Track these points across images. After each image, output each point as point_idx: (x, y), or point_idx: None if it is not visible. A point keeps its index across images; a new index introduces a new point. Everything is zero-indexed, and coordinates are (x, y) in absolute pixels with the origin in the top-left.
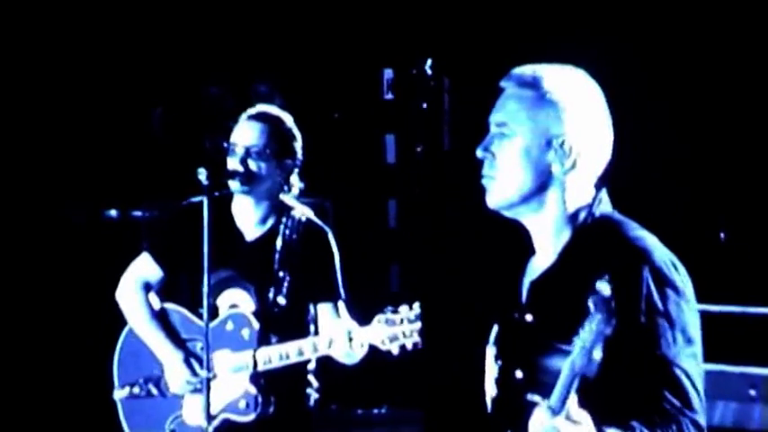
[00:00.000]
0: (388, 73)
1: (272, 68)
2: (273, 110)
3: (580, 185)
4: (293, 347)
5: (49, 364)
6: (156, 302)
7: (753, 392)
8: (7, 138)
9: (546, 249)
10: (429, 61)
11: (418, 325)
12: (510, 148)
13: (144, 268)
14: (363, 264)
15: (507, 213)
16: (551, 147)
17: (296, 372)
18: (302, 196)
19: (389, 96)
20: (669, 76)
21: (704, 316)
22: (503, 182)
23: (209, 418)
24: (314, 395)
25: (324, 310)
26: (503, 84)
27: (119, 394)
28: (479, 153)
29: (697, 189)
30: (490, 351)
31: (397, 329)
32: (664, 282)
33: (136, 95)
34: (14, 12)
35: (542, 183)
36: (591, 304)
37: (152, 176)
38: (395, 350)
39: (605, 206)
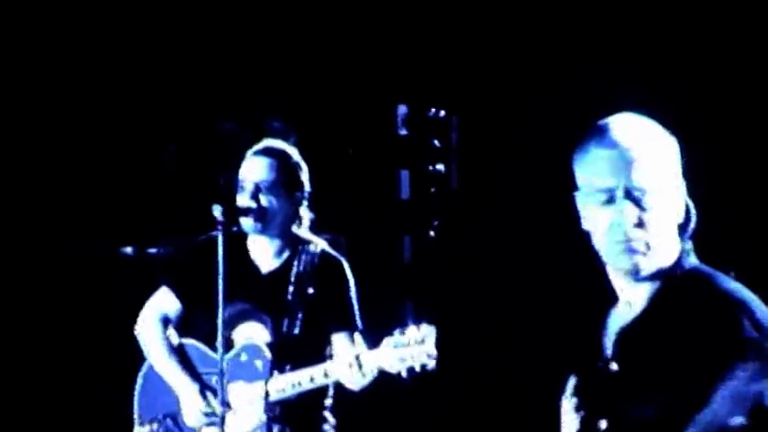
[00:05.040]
0: (402, 109)
1: (286, 104)
2: (279, 144)
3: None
4: (305, 375)
5: (69, 403)
6: (174, 337)
7: None
8: (23, 177)
9: (633, 300)
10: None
11: (426, 346)
12: (659, 213)
13: (163, 302)
14: (377, 299)
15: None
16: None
17: (312, 407)
18: (316, 231)
19: (404, 132)
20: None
21: None
22: (659, 249)
23: None
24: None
25: (339, 339)
26: (603, 146)
27: None
28: (632, 230)
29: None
30: (569, 403)
31: (406, 351)
32: (765, 332)
33: (150, 132)
34: (30, 49)
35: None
36: None
37: (167, 213)
38: (404, 372)
39: (692, 258)
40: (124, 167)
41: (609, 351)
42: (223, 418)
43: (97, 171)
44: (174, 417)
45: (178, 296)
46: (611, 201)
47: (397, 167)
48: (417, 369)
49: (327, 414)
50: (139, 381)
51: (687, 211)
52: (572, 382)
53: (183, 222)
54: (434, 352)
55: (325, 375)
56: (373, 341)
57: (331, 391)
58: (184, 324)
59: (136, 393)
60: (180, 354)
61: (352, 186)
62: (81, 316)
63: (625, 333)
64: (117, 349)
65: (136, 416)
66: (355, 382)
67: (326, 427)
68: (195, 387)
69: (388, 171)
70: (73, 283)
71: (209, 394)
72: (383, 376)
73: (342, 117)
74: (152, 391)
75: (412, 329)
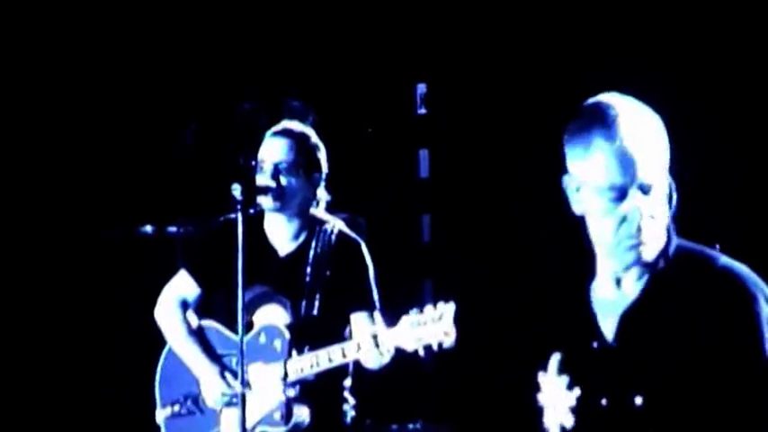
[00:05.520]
0: (422, 87)
1: (305, 84)
2: (297, 125)
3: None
4: (323, 354)
5: (90, 387)
6: (193, 320)
7: None
8: (41, 157)
9: (625, 279)
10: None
11: (443, 324)
12: (663, 201)
13: (182, 286)
14: (397, 279)
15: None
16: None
17: (332, 386)
18: (335, 211)
19: (423, 111)
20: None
21: None
22: (662, 236)
23: None
24: (350, 412)
25: (358, 319)
26: (609, 140)
27: (161, 414)
28: (646, 224)
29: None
30: (558, 380)
31: (423, 330)
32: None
33: (169, 111)
34: (49, 34)
35: None
36: None
37: (186, 192)
38: (421, 351)
39: (674, 234)
40: (143, 147)
41: (609, 333)
42: (243, 398)
43: (118, 151)
44: (195, 398)
45: (197, 280)
46: (622, 197)
47: (417, 147)
48: (434, 347)
49: (347, 394)
50: (160, 364)
51: (669, 189)
52: (557, 359)
53: (202, 202)
54: (452, 330)
55: (344, 355)
56: (391, 321)
57: (351, 372)
58: (204, 307)
59: (157, 376)
60: (199, 336)
61: (371, 166)
62: (101, 299)
63: (628, 315)
64: (138, 333)
65: (157, 398)
66: (373, 360)
67: (346, 407)
68: (215, 369)
69: (407, 150)
70: (93, 265)
71: (228, 375)
72: (401, 355)
73: (361, 96)
74: (173, 374)
75: (429, 308)
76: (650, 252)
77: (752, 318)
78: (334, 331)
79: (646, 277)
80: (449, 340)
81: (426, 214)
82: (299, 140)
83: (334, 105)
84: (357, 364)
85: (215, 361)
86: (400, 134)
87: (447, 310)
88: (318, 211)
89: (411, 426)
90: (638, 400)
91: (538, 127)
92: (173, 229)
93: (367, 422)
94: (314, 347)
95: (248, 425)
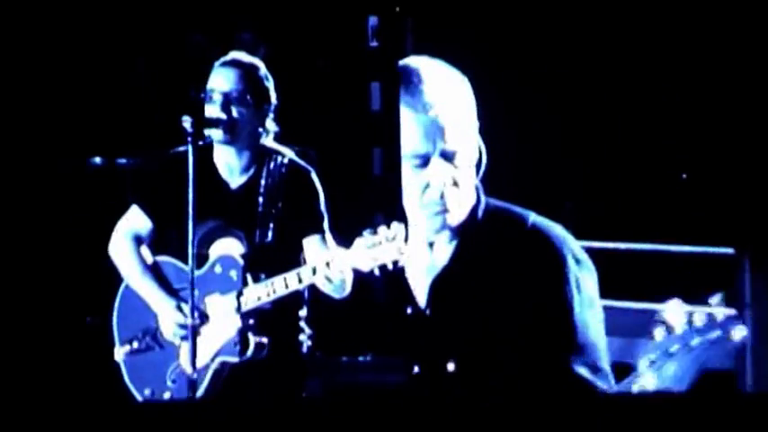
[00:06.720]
0: (373, 20)
1: (256, 15)
2: (245, 56)
3: None
4: (279, 281)
5: (47, 327)
6: (148, 255)
7: None
8: None
9: (438, 242)
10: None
11: (397, 243)
12: (468, 166)
13: (134, 221)
14: (348, 211)
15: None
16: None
17: (289, 317)
18: (286, 144)
19: (374, 44)
20: None
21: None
22: (468, 201)
23: (195, 366)
24: (307, 342)
25: (312, 242)
26: (415, 110)
27: (120, 352)
28: (448, 190)
29: None
30: None
31: (378, 250)
32: (579, 255)
33: (119, 43)
34: None
35: None
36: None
37: (136, 124)
38: (377, 271)
39: (482, 194)
40: (92, 79)
41: (422, 298)
42: (194, 330)
43: (67, 81)
44: (154, 333)
45: (149, 214)
46: (425, 164)
47: (368, 80)
48: (390, 266)
49: (304, 324)
50: (117, 301)
51: (479, 152)
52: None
53: (153, 133)
54: (405, 248)
55: (300, 280)
56: (345, 246)
57: (307, 302)
58: (159, 242)
59: (114, 313)
60: (155, 271)
61: (322, 98)
62: (53, 233)
63: (439, 280)
64: (95, 269)
65: (115, 335)
66: (331, 286)
67: (303, 337)
68: (171, 302)
69: (358, 83)
70: (44, 197)
71: (184, 308)
72: (360, 284)
73: (312, 29)
74: (130, 310)
75: (383, 229)
76: (455, 218)
77: (560, 277)
78: (290, 259)
79: (456, 241)
80: (403, 258)
81: (377, 147)
82: (248, 71)
83: (285, 37)
84: (314, 294)
85: (171, 295)
86: (351, 67)
87: (400, 229)
88: (268, 141)
89: (361, 359)
90: (451, 366)
91: (491, 61)
92: (122, 161)
93: (317, 354)
94: (270, 275)
95: (208, 355)
